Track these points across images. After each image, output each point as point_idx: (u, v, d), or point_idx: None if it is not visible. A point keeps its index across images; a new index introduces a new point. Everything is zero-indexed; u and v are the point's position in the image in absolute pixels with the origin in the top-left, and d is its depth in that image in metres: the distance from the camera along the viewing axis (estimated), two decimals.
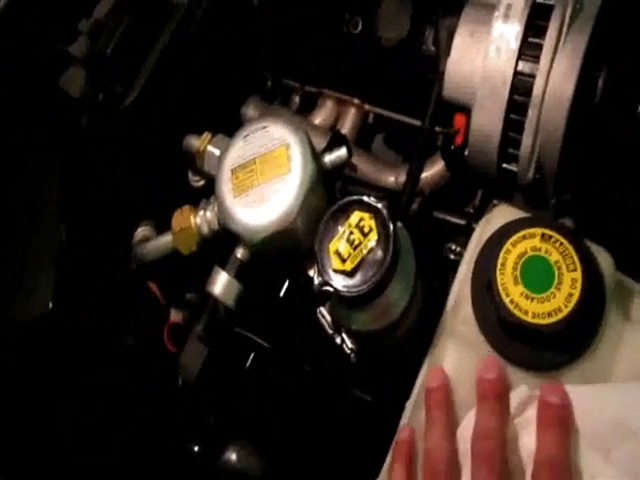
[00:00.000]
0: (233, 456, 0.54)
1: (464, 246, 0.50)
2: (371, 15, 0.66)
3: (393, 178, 0.68)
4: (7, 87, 0.62)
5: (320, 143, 0.61)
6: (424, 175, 0.64)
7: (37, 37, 0.63)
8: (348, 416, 0.55)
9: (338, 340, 0.49)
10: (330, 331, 0.50)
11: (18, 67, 0.62)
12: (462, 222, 0.62)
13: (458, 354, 0.43)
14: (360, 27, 0.67)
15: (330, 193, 0.56)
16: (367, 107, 0.71)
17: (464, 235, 0.61)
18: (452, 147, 0.58)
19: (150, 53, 0.65)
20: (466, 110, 0.56)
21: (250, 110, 0.74)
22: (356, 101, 0.71)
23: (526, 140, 0.52)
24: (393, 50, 0.65)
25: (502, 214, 0.47)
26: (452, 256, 0.59)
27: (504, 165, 0.55)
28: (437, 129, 0.60)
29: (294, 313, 0.55)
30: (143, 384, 0.59)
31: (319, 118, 0.73)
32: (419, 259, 0.48)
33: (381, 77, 0.68)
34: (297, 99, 0.75)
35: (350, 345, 0.49)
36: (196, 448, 0.55)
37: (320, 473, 0.54)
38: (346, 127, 0.72)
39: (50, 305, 0.55)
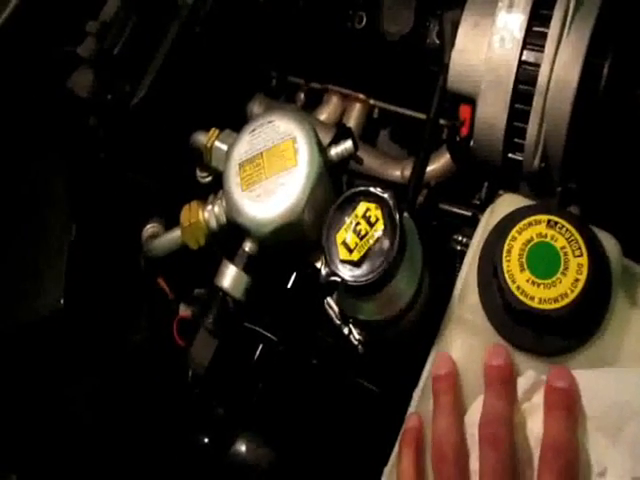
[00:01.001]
0: (242, 447, 0.54)
1: (470, 237, 0.50)
2: (374, 10, 0.66)
3: (399, 172, 0.68)
4: (16, 88, 0.63)
5: (325, 138, 0.62)
6: (430, 167, 0.64)
7: (45, 39, 0.63)
8: (356, 407, 0.55)
9: (345, 331, 0.50)
10: (337, 322, 0.50)
11: (26, 68, 0.63)
12: (468, 213, 0.62)
13: (465, 341, 0.44)
14: (364, 22, 0.67)
15: (337, 186, 0.56)
16: (372, 102, 0.71)
17: (470, 226, 0.61)
18: (457, 138, 0.58)
19: (157, 52, 0.65)
20: (471, 101, 0.56)
21: (256, 107, 0.74)
22: (361, 96, 0.71)
23: (531, 129, 0.52)
24: (397, 44, 0.66)
25: (508, 202, 0.47)
26: (458, 247, 0.59)
27: (509, 155, 0.55)
28: (442, 121, 0.60)
29: (302, 305, 0.56)
30: (153, 377, 0.59)
31: (324, 114, 0.73)
32: (426, 250, 0.48)
33: (386, 72, 0.68)
34: (302, 96, 0.76)
35: (357, 336, 0.50)
36: (206, 440, 0.56)
37: (329, 464, 0.55)
38: (351, 122, 0.72)
39: (62, 302, 0.56)
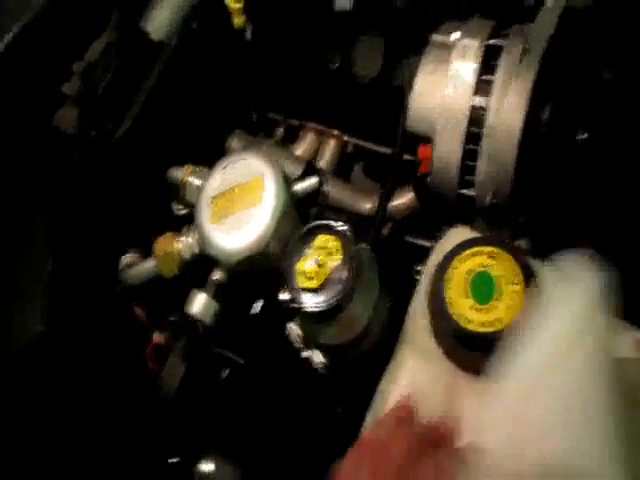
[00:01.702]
0: (210, 467, 0.56)
1: None
2: (348, 53, 0.71)
3: (370, 205, 0.71)
4: (2, 124, 0.65)
5: (296, 172, 0.66)
6: (397, 202, 0.68)
7: (33, 77, 0.67)
8: (318, 427, 0.58)
9: (306, 354, 0.53)
10: (299, 345, 0.53)
11: (14, 105, 0.66)
12: (429, 245, 0.66)
13: (416, 363, 0.47)
14: (338, 64, 0.72)
15: (304, 219, 0.60)
16: (346, 138, 0.75)
17: None
18: (417, 175, 0.62)
19: (139, 91, 0.69)
20: (429, 140, 0.60)
21: (234, 142, 0.78)
22: (336, 132, 0.75)
23: (481, 168, 0.56)
24: (367, 86, 0.70)
25: (458, 234, 0.50)
26: (418, 277, 0.62)
27: (463, 191, 0.58)
28: (406, 157, 0.64)
29: (268, 330, 0.59)
30: (125, 400, 0.61)
31: (301, 148, 0.76)
32: (382, 278, 0.51)
33: (358, 110, 0.72)
34: (281, 131, 0.79)
35: (319, 359, 0.53)
36: (175, 460, 0.57)
37: None
38: (326, 157, 0.75)
39: (39, 329, 0.58)
